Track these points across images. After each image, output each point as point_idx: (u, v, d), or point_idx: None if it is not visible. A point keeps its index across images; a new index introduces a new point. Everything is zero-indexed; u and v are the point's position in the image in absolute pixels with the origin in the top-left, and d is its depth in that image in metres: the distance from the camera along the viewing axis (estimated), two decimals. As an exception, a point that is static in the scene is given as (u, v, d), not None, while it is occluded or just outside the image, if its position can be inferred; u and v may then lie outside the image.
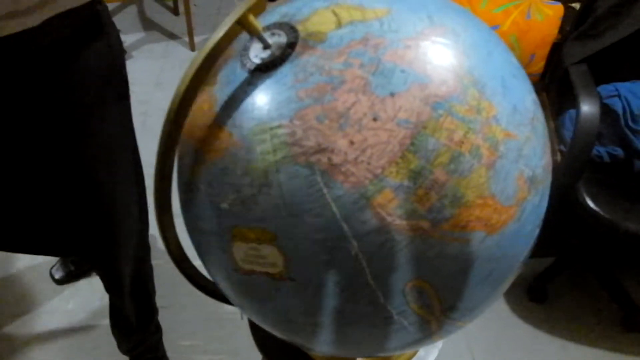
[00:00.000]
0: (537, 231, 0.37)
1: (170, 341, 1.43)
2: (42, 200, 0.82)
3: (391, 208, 0.29)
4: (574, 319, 1.66)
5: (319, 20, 0.33)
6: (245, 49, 0.34)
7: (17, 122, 0.71)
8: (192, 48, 2.72)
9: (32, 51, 0.64)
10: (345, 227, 0.29)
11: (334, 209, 0.29)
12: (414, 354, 0.58)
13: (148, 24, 2.92)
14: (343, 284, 0.31)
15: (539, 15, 1.65)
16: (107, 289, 1.10)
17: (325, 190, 0.29)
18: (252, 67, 0.32)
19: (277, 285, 0.33)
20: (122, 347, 1.28)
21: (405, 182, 0.29)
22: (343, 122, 0.29)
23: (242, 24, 0.31)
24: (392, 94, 0.29)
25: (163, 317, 1.46)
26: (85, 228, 0.87)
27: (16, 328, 1.53)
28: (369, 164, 0.29)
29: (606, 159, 1.48)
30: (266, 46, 0.32)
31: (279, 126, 0.30)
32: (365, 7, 0.33)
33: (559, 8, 1.65)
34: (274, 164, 0.30)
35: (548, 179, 0.37)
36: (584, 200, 1.39)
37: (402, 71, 0.30)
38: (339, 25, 0.32)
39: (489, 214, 0.31)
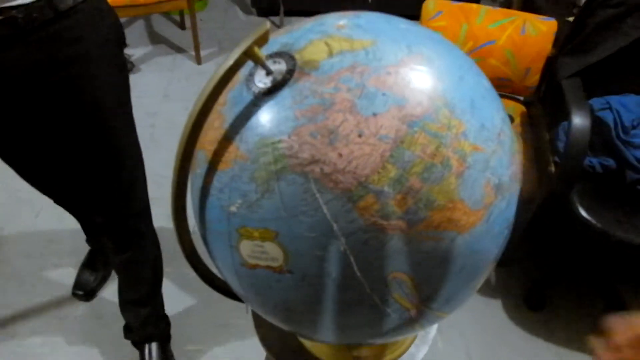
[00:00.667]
0: (506, 232, 0.42)
1: (177, 346, 1.48)
2: (64, 155, 1.01)
3: (374, 210, 0.34)
4: (570, 326, 1.70)
5: (313, 50, 0.38)
6: (251, 75, 0.39)
7: (31, 81, 0.88)
8: (198, 61, 2.79)
9: (56, 10, 0.84)
10: (335, 226, 0.35)
11: (325, 211, 0.35)
12: (405, 350, 0.63)
13: (155, 38, 2.99)
14: (334, 275, 0.36)
15: (533, 30, 1.70)
16: (118, 248, 1.22)
17: (318, 195, 0.35)
18: (256, 91, 0.38)
19: (278, 277, 0.38)
20: (132, 327, 1.40)
21: (386, 188, 0.34)
22: (333, 137, 0.34)
23: (248, 55, 0.36)
24: (374, 114, 0.35)
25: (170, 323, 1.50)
26: (97, 176, 1.05)
27: (26, 333, 1.58)
28: (354, 173, 0.34)
29: (599, 169, 1.52)
30: (268, 72, 0.38)
31: (279, 141, 0.36)
32: (353, 38, 0.38)
33: (553, 24, 1.70)
34: (274, 173, 0.36)
35: (515, 185, 0.42)
36: (577, 209, 1.44)
37: (384, 94, 0.35)
38: (331, 54, 0.37)
39: (458, 216, 0.36)
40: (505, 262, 1.79)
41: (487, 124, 0.38)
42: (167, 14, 3.12)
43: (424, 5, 1.76)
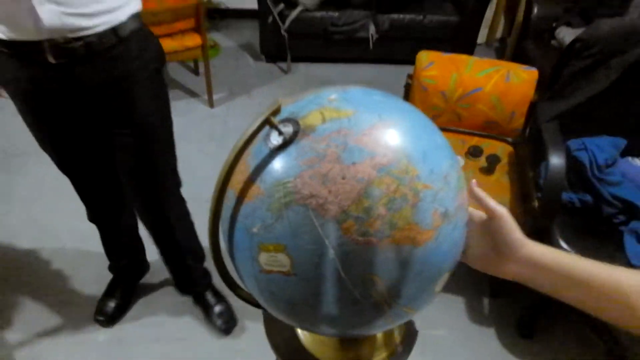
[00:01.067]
0: (454, 250, 0.57)
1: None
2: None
3: (353, 230, 0.49)
4: (559, 352, 1.80)
5: (312, 118, 0.54)
6: (267, 135, 0.55)
7: (94, 91, 1.18)
8: (211, 105, 2.98)
9: (119, 36, 1.15)
10: (326, 241, 0.50)
11: (320, 230, 0.50)
12: (394, 350, 0.77)
13: (171, 84, 3.21)
14: (326, 277, 0.51)
15: (517, 78, 1.88)
16: (160, 237, 1.62)
17: (314, 220, 0.50)
18: (272, 146, 0.54)
19: (287, 279, 0.53)
20: (183, 285, 1.83)
21: (361, 215, 0.49)
22: (325, 179, 0.50)
23: (267, 122, 0.52)
24: (353, 163, 0.50)
25: (183, 349, 1.63)
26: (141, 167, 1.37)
27: (50, 358, 1.69)
28: (340, 204, 0.49)
29: (578, 204, 1.66)
30: (280, 133, 0.54)
31: (288, 182, 0.51)
32: (340, 109, 0.54)
33: (534, 72, 1.88)
34: (284, 205, 0.51)
35: (461, 213, 0.57)
36: (557, 240, 1.57)
37: (360, 150, 0.51)
38: (324, 121, 0.53)
39: (414, 234, 0.51)
40: (497, 292, 1.92)
41: (435, 170, 0.54)
42: (181, 61, 3.35)
43: (418, 56, 1.95)
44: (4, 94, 1.22)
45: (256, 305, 0.66)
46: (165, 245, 1.64)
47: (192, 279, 1.77)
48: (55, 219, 2.16)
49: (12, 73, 1.14)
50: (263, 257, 0.53)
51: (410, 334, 0.79)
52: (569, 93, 1.72)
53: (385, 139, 0.52)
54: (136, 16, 1.19)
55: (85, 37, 1.10)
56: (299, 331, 0.79)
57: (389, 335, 0.78)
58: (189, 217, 1.62)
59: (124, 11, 1.15)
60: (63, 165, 1.38)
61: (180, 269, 1.73)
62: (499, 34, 3.97)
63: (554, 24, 2.90)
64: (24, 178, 2.38)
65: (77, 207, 2.21)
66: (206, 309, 1.80)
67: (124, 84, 1.20)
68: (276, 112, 0.53)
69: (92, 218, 1.61)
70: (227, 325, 1.77)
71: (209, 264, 1.82)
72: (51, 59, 1.09)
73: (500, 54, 3.83)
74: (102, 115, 1.25)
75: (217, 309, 1.78)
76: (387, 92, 0.61)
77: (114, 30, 1.14)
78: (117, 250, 1.73)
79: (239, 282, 0.64)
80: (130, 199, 1.49)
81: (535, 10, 2.98)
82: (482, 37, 3.89)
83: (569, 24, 2.86)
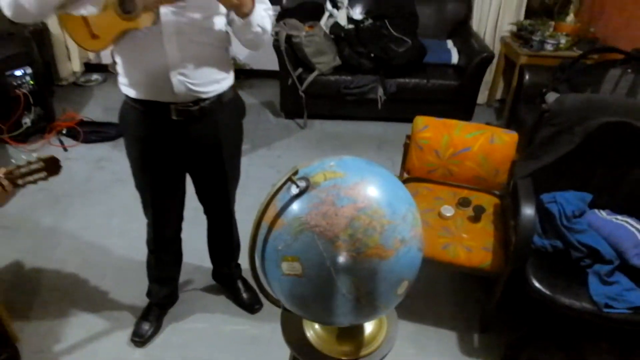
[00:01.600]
0: (410, 265, 0.86)
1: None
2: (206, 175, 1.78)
3: (342, 248, 0.79)
4: (541, 383, 2.00)
5: (317, 177, 0.85)
6: (289, 187, 0.86)
7: (197, 143, 1.61)
8: (235, 156, 3.31)
9: (221, 102, 1.58)
10: (324, 254, 0.80)
11: (321, 248, 0.80)
12: (379, 346, 1.04)
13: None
14: (325, 278, 0.80)
15: (500, 140, 2.17)
16: (223, 231, 2.05)
17: (317, 241, 0.80)
18: (292, 195, 0.85)
19: (299, 280, 0.82)
20: (223, 275, 2.23)
21: (347, 238, 0.79)
22: (324, 215, 0.80)
23: (289, 179, 0.83)
24: (342, 206, 0.81)
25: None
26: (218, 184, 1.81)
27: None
28: (333, 231, 0.79)
29: (549, 249, 1.93)
30: (297, 187, 0.85)
31: (301, 217, 0.82)
32: (336, 172, 0.85)
33: (514, 136, 2.17)
34: (299, 232, 0.81)
35: (414, 241, 0.86)
36: (530, 280, 1.83)
37: (347, 198, 0.81)
38: (325, 179, 0.84)
39: (380, 252, 0.80)
40: (486, 328, 2.19)
41: (397, 212, 0.84)
42: (210, 116, 3.72)
43: (415, 120, 2.27)
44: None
45: (276, 303, 0.96)
46: (219, 232, 2.03)
47: (228, 268, 2.15)
48: (98, 251, 2.47)
49: (139, 124, 1.52)
50: (284, 265, 0.83)
51: (390, 338, 1.06)
52: (540, 154, 2.01)
53: (364, 192, 0.83)
54: (232, 86, 1.60)
55: (201, 101, 1.49)
56: (306, 331, 1.07)
57: (375, 334, 1.06)
58: (234, 215, 2.03)
59: (225, 83, 1.56)
60: (153, 201, 1.73)
61: (222, 257, 2.12)
62: (498, 95, 4.32)
63: (543, 90, 3.23)
64: (72, 217, 2.72)
65: (116, 242, 2.53)
66: (236, 293, 2.18)
67: (221, 136, 1.61)
68: (295, 173, 0.85)
69: (155, 249, 1.92)
70: (252, 300, 2.15)
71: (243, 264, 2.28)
72: (174, 117, 1.47)
73: (499, 114, 4.16)
74: (197, 159, 1.65)
75: (245, 295, 2.17)
76: (370, 160, 0.92)
77: (219, 97, 1.54)
78: (163, 279, 2.03)
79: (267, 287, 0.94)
80: (207, 213, 1.96)
81: (527, 77, 3.32)
82: (483, 98, 4.24)
83: (556, 90, 3.19)
